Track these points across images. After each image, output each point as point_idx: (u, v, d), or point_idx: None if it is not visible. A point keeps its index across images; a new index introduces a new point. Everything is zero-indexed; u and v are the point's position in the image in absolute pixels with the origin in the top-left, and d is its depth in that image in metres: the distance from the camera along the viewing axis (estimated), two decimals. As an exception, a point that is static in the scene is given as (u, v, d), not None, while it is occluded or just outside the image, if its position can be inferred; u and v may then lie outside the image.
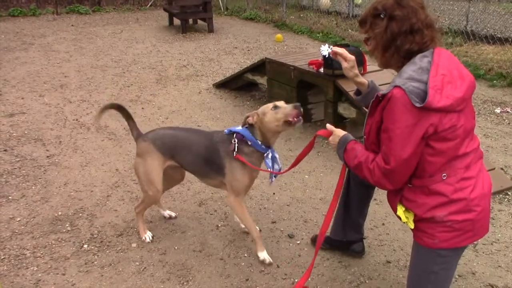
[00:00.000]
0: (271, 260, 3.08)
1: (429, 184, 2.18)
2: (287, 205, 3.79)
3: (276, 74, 5.40)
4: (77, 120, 5.47)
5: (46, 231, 3.40)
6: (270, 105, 2.89)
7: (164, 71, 7.49)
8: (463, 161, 2.17)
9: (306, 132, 5.13)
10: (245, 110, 5.82)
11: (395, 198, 2.32)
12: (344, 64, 2.65)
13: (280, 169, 3.03)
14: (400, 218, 2.29)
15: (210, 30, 10.41)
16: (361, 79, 2.68)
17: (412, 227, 2.26)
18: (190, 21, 10.91)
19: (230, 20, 12.18)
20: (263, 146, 2.94)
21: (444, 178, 2.15)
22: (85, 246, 3.26)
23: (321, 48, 4.24)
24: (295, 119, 2.83)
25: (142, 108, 5.86)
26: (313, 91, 5.25)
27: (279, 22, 11.22)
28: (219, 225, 3.50)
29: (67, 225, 3.48)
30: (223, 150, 2.99)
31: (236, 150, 2.92)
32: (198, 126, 5.32)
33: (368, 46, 2.33)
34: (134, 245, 3.28)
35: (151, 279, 2.96)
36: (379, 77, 4.44)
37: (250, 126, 2.94)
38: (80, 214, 3.62)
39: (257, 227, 3.14)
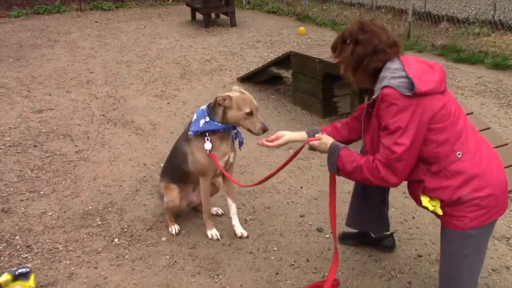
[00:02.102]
0: (219, 236, 3.27)
1: (447, 166, 2.26)
2: (315, 198, 3.78)
3: (301, 67, 5.38)
4: (103, 115, 5.53)
5: (77, 226, 3.45)
6: (247, 105, 2.92)
7: (188, 65, 7.51)
8: (469, 137, 2.30)
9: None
10: (270, 103, 5.81)
11: (416, 191, 2.39)
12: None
13: (242, 142, 3.20)
14: (427, 209, 2.35)
15: (233, 24, 10.40)
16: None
17: (441, 213, 2.31)
18: (213, 15, 10.91)
19: (252, 14, 12.15)
20: (227, 126, 3.03)
21: (459, 156, 2.26)
22: (116, 240, 3.30)
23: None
24: (257, 130, 2.97)
25: (168, 103, 5.90)
26: (339, 84, 5.21)
27: (301, 15, 11.16)
28: (247, 219, 3.51)
29: (97, 219, 3.53)
30: (182, 139, 3.17)
31: (210, 148, 3.04)
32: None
33: (341, 70, 2.52)
34: (163, 239, 3.31)
35: (181, 272, 2.98)
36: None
37: (214, 106, 2.97)
38: (110, 209, 3.66)
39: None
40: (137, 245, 3.24)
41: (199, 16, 10.99)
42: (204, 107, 3.07)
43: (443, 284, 2.45)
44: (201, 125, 3.01)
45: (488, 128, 4.11)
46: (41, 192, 3.88)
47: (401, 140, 2.22)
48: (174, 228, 3.36)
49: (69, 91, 6.41)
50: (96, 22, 11.41)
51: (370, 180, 2.33)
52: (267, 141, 2.86)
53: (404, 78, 2.22)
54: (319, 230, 3.37)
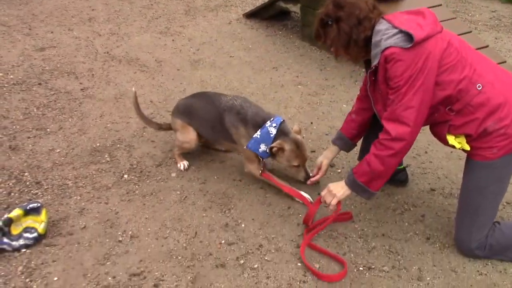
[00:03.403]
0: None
1: (469, 100, 2.26)
2: (326, 134, 3.72)
3: (310, 0, 5.18)
4: (107, 53, 5.39)
5: (86, 162, 3.42)
6: (293, 163, 2.96)
7: (192, 2, 7.27)
8: (484, 68, 2.30)
9: (342, 61, 4.96)
10: (277, 39, 5.65)
11: (442, 131, 2.39)
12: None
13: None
14: (454, 147, 2.37)
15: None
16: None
17: (469, 148, 2.33)
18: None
19: None
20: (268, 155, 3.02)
21: (480, 88, 2.25)
22: (125, 176, 3.27)
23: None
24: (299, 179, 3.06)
25: (173, 40, 5.74)
26: (349, 18, 5.02)
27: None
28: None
29: (106, 155, 3.49)
30: (228, 120, 3.05)
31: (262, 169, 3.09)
32: (231, 57, 5.20)
33: (333, 53, 2.50)
34: (173, 174, 3.28)
35: (193, 207, 2.97)
36: (420, 3, 4.22)
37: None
38: (118, 145, 3.62)
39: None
40: (147, 181, 3.22)
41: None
42: (273, 131, 2.95)
43: (463, 214, 2.45)
44: (260, 151, 2.97)
45: (504, 62, 4.00)
46: (48, 130, 3.83)
47: (411, 97, 2.22)
48: (183, 164, 3.33)
49: (71, 28, 6.23)
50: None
51: (395, 151, 2.30)
52: (313, 177, 2.98)
53: (398, 34, 2.20)
54: (331, 165, 3.33)
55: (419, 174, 3.21)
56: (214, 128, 3.18)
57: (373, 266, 2.51)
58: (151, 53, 5.35)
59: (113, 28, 6.18)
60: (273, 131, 2.95)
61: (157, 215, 2.91)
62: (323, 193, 2.60)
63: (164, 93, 4.40)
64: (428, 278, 2.43)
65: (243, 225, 2.82)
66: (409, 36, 2.16)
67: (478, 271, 2.47)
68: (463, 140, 2.34)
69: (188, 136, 3.27)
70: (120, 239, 2.72)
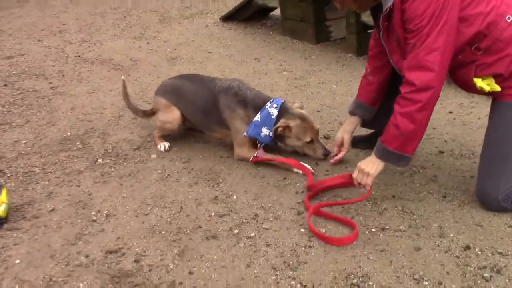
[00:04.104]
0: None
1: (499, 35, 2.01)
2: (318, 111, 3.44)
3: (289, -9, 4.98)
4: (79, 56, 5.09)
5: (55, 150, 3.07)
6: (307, 134, 2.68)
7: (166, 12, 7.05)
8: None
9: (326, 50, 4.74)
10: (257, 36, 5.42)
11: (468, 74, 2.12)
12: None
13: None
14: (481, 90, 2.11)
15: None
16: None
17: (499, 89, 2.07)
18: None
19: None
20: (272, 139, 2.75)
21: (510, 20, 2.01)
22: (100, 160, 2.93)
23: None
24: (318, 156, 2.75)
25: (148, 43, 5.47)
26: (331, 6, 4.82)
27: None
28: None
29: (77, 143, 3.15)
30: (224, 102, 2.77)
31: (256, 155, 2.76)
32: (209, 53, 4.93)
33: (337, 4, 2.22)
34: (153, 156, 2.95)
35: (176, 184, 2.63)
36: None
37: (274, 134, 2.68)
38: (91, 134, 3.28)
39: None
40: (124, 163, 2.88)
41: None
42: (274, 111, 2.68)
43: (489, 162, 2.18)
44: (262, 136, 2.70)
45: None
46: (13, 124, 3.48)
47: (434, 38, 1.95)
48: (163, 145, 3.00)
49: (41, 39, 5.93)
50: (66, -15, 10.80)
51: (423, 103, 2.02)
52: (336, 156, 2.66)
53: None
54: (326, 137, 3.04)
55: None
56: (206, 112, 2.88)
57: (387, 227, 2.19)
58: (125, 54, 5.07)
59: (84, 37, 5.91)
60: (275, 112, 2.68)
61: (136, 194, 2.56)
62: (354, 175, 2.27)
63: (140, 86, 4.10)
64: (452, 235, 2.12)
65: (234, 197, 2.49)
66: None
67: (506, 223, 2.16)
68: (491, 81, 2.08)
69: (171, 116, 2.97)
70: (94, 218, 2.37)
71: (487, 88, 2.08)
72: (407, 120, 2.04)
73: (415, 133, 2.09)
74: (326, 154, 2.71)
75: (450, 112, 3.26)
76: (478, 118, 3.16)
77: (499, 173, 2.14)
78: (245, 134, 2.73)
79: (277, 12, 5.93)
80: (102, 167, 2.85)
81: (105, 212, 2.41)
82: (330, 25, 4.93)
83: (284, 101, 2.77)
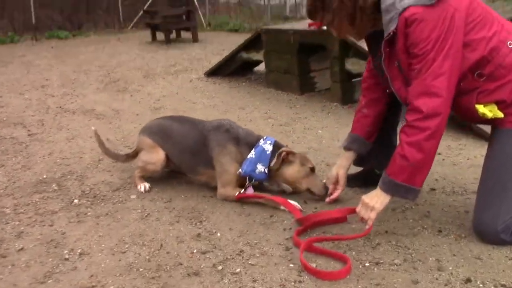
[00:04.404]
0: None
1: (501, 61, 1.97)
2: (305, 153, 3.34)
3: (273, 44, 5.04)
4: (60, 107, 5.02)
5: (29, 192, 2.91)
6: (309, 165, 2.60)
7: (151, 70, 7.10)
8: (508, 23, 2.06)
9: (311, 100, 4.73)
10: (242, 90, 5.41)
11: (469, 101, 2.05)
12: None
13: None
14: (483, 116, 2.03)
15: (195, 39, 10.09)
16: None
17: (502, 115, 2.00)
18: (173, 35, 10.57)
19: (213, 33, 11.90)
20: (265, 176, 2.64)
21: (511, 46, 1.97)
22: (76, 201, 2.78)
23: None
24: (319, 190, 2.60)
25: (131, 96, 5.43)
26: (315, 57, 4.89)
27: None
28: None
29: (53, 185, 3.00)
30: (214, 139, 2.67)
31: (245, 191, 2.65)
32: (193, 103, 4.89)
33: (333, 31, 2.17)
34: (133, 196, 2.81)
35: (157, 223, 2.48)
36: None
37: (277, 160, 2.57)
38: (69, 177, 3.14)
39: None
40: (102, 204, 2.73)
41: (159, 36, 10.64)
42: (269, 147, 2.61)
43: (488, 191, 2.09)
44: (257, 173, 2.60)
45: None
46: (-13, 168, 3.33)
47: (440, 63, 1.90)
48: (144, 186, 2.86)
49: (22, 93, 5.87)
50: (52, 47, 10.90)
51: (432, 131, 1.94)
52: (332, 195, 2.55)
53: None
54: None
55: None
56: (193, 153, 2.77)
57: (381, 261, 2.05)
58: (108, 105, 5.01)
59: (67, 91, 5.88)
60: (269, 147, 2.61)
61: (113, 233, 2.40)
62: (358, 209, 2.15)
63: (122, 133, 4.00)
64: (450, 268, 1.98)
65: (218, 234, 2.34)
66: None
67: (507, 256, 2.04)
68: (494, 107, 2.02)
69: (156, 157, 2.85)
70: (67, 257, 2.19)
71: (489, 115, 2.01)
72: (415, 150, 1.96)
73: (423, 163, 2.00)
74: (327, 189, 2.57)
75: (439, 154, 3.19)
76: (468, 159, 3.10)
77: (499, 202, 2.04)
78: (239, 171, 2.62)
79: (260, 67, 6.00)
80: (78, 207, 2.69)
81: (79, 250, 2.24)
82: (314, 76, 4.96)
83: (276, 140, 2.69)
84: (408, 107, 2.01)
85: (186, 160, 2.83)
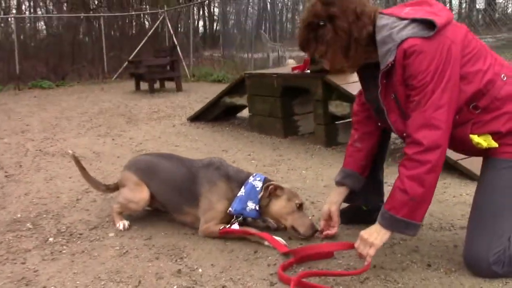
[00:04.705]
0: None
1: (496, 94, 1.96)
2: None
3: (257, 88, 5.06)
4: (40, 150, 4.92)
5: (1, 231, 2.79)
6: (297, 201, 2.52)
7: (133, 116, 7.07)
8: (502, 59, 2.06)
9: (295, 143, 4.71)
10: (225, 134, 5.39)
11: (464, 131, 2.02)
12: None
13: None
14: (478, 145, 2.00)
15: (179, 89, 10.14)
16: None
17: (497, 145, 1.97)
18: (157, 85, 10.62)
19: (197, 84, 11.98)
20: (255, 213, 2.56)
21: (505, 79, 1.98)
22: (51, 239, 2.66)
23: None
24: (305, 230, 2.49)
25: (113, 139, 5.37)
26: (299, 101, 4.90)
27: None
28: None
29: (28, 224, 2.88)
30: (204, 176, 2.62)
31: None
32: (176, 146, 4.84)
33: (326, 64, 2.14)
34: (111, 234, 2.70)
35: (135, 260, 2.37)
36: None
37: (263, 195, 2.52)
38: (44, 216, 3.02)
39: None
40: (78, 242, 2.62)
41: (143, 86, 10.69)
42: (258, 184, 2.54)
43: (480, 222, 2.04)
44: (247, 210, 2.53)
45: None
46: (-43, 208, 3.19)
47: (439, 95, 1.88)
48: (123, 224, 2.76)
49: (2, 138, 5.77)
50: (35, 97, 10.87)
51: (432, 164, 1.91)
52: (327, 230, 2.48)
53: (412, 24, 1.91)
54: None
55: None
56: (180, 191, 2.68)
57: (370, 295, 1.96)
58: (89, 148, 4.93)
59: (48, 136, 5.80)
60: (259, 184, 2.54)
61: (88, 270, 2.28)
62: (356, 244, 2.08)
63: (102, 174, 3.91)
64: (442, 301, 1.90)
65: (200, 270, 2.24)
66: (428, 24, 1.88)
67: (499, 290, 1.97)
68: (488, 137, 2.00)
69: (139, 196, 2.75)
70: (38, 295, 2.06)
71: (484, 144, 1.98)
72: (416, 184, 1.91)
73: (424, 198, 1.94)
74: (315, 230, 2.48)
75: (424, 191, 3.16)
76: (454, 197, 3.07)
77: (490, 233, 1.98)
78: (230, 209, 2.53)
79: (244, 113, 6.01)
80: (52, 245, 2.57)
81: (52, 288, 2.11)
82: (298, 120, 4.96)
83: (266, 177, 2.63)
84: (407, 140, 1.97)
85: (172, 198, 2.74)
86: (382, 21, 1.99)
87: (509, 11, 14.10)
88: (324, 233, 2.47)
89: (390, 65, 1.94)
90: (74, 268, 2.29)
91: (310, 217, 2.62)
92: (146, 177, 2.78)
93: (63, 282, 2.16)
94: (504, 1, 14.55)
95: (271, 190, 2.49)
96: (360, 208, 2.66)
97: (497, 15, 12.06)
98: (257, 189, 2.52)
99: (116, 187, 2.93)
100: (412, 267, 2.19)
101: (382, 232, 2.00)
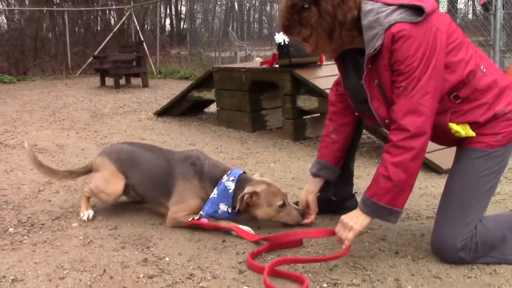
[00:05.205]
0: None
1: (477, 85, 1.98)
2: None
3: (225, 82, 5.03)
4: (0, 142, 4.76)
5: (-43, 222, 2.67)
6: (278, 202, 2.44)
7: (98, 110, 6.93)
8: (480, 51, 2.08)
9: (263, 137, 4.70)
10: (192, 128, 5.33)
11: (443, 121, 2.02)
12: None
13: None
14: (456, 134, 2.02)
15: (145, 85, 10.01)
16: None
17: (474, 134, 2.00)
18: (123, 81, 10.45)
19: (164, 80, 11.86)
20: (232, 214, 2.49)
21: (484, 70, 2.00)
22: (11, 229, 2.57)
23: (275, 36, 3.96)
24: (295, 220, 2.49)
25: (77, 133, 5.24)
26: (267, 95, 4.90)
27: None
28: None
29: (-14, 215, 2.76)
30: (179, 171, 2.55)
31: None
32: (142, 139, 4.76)
33: (309, 46, 2.09)
34: (75, 224, 2.63)
35: (100, 249, 2.31)
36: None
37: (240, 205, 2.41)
38: (4, 207, 2.92)
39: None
40: (40, 232, 2.53)
41: (109, 81, 10.50)
42: (231, 185, 2.44)
43: (450, 208, 2.07)
44: (219, 213, 2.44)
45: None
46: None
47: (426, 81, 1.88)
48: (87, 214, 2.68)
49: (-43, 130, 5.56)
50: (-6, 91, 10.54)
51: (417, 151, 1.91)
52: (308, 219, 2.50)
53: (400, 9, 1.89)
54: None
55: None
56: (158, 183, 2.61)
57: (339, 282, 1.96)
58: (52, 141, 4.80)
59: (8, 128, 5.62)
60: (231, 185, 2.44)
61: (50, 259, 2.21)
62: (336, 229, 2.06)
63: (65, 166, 3.81)
64: (410, 287, 1.91)
65: (167, 259, 2.19)
66: (416, 10, 1.87)
67: (465, 275, 1.99)
68: (466, 126, 2.01)
69: (113, 188, 2.66)
70: (-3, 284, 1.98)
71: (462, 133, 1.99)
72: (401, 171, 1.90)
73: (407, 185, 1.95)
74: (302, 214, 2.47)
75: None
76: (419, 188, 3.10)
77: (459, 220, 2.00)
78: (201, 212, 2.45)
79: (211, 108, 5.97)
80: (12, 236, 2.48)
81: (11, 277, 2.03)
82: (266, 114, 4.94)
83: (243, 172, 2.55)
84: (392, 126, 1.96)
85: (149, 190, 2.67)
86: (368, 6, 1.96)
87: (469, 16, 14.44)
88: (307, 221, 2.47)
89: (377, 49, 1.91)
90: (36, 258, 2.21)
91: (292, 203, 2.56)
92: (126, 169, 2.69)
93: (24, 272, 2.08)
94: (465, 7, 14.92)
95: (247, 200, 2.39)
96: (329, 198, 2.66)
97: (458, 21, 12.34)
98: (230, 191, 2.42)
99: (84, 172, 2.84)
100: (380, 254, 2.20)
101: (363, 217, 1.99)
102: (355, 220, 1.99)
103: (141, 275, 2.04)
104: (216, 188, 2.46)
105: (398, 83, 1.92)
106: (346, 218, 2.02)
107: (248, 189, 2.39)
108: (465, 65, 1.96)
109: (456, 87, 1.97)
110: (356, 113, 2.31)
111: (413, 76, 1.87)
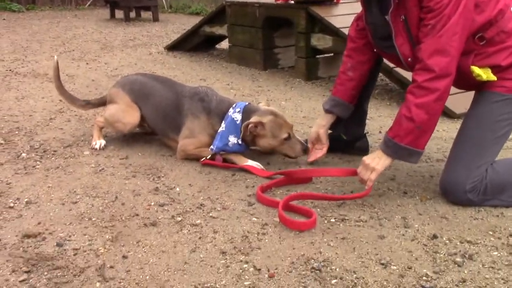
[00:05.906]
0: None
1: (504, 26, 1.92)
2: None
3: (238, 17, 4.92)
4: (10, 70, 4.74)
5: (-29, 145, 2.70)
6: (284, 135, 2.40)
7: (108, 43, 6.84)
8: None
9: (274, 75, 4.64)
10: (203, 64, 5.27)
11: (465, 63, 1.97)
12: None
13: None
14: (478, 77, 1.97)
15: (155, 18, 9.83)
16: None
17: (495, 78, 1.95)
18: (133, 14, 10.25)
19: (174, 15, 11.63)
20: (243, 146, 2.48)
21: None
22: (24, 155, 2.60)
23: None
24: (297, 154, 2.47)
25: (87, 64, 5.20)
26: (280, 33, 4.80)
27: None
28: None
29: (-1, 140, 2.79)
30: (188, 107, 2.52)
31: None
32: (154, 72, 4.71)
33: None
34: (86, 153, 2.65)
35: (111, 177, 2.34)
36: (356, 7, 4.06)
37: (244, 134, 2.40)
38: (17, 132, 2.94)
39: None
40: (52, 158, 2.57)
41: (118, 14, 10.32)
42: (238, 116, 2.43)
43: (463, 149, 2.06)
44: (230, 145, 2.42)
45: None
46: None
47: (456, 20, 1.82)
48: (99, 143, 2.70)
49: (-32, 57, 5.53)
50: (4, 19, 10.40)
51: (441, 92, 1.88)
52: (314, 154, 2.47)
53: None
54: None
55: (376, 149, 2.80)
56: (166, 117, 2.61)
57: (347, 218, 1.99)
58: (62, 71, 4.72)
59: (19, 57, 5.57)
60: (238, 116, 2.43)
61: (63, 184, 2.25)
62: (358, 169, 2.07)
63: (77, 95, 3.78)
64: (416, 225, 1.94)
65: (177, 189, 2.22)
66: None
67: (471, 216, 2.01)
68: (488, 70, 1.97)
69: (129, 117, 2.67)
70: (11, 205, 2.03)
71: (484, 76, 1.95)
72: (423, 112, 1.89)
73: (429, 126, 1.95)
74: (305, 149, 2.46)
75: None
76: (431, 132, 3.08)
77: (471, 161, 2.00)
78: (212, 147, 2.46)
79: (222, 44, 5.88)
80: (26, 160, 2.52)
81: (25, 200, 2.08)
82: (278, 53, 4.87)
83: (248, 103, 2.54)
84: (417, 66, 1.93)
85: (159, 123, 2.68)
86: None
87: None
88: (312, 158, 2.46)
89: None
90: (49, 182, 2.25)
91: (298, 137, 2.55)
92: (139, 100, 2.69)
93: (38, 195, 2.13)
94: None
95: (251, 129, 2.39)
96: (340, 137, 2.65)
97: None
98: (237, 122, 2.42)
99: (99, 103, 2.85)
100: (389, 194, 2.21)
101: (384, 158, 2.00)
102: (376, 161, 1.99)
103: (152, 203, 2.07)
104: (224, 121, 2.46)
105: (427, 21, 1.86)
106: (367, 159, 2.03)
107: (254, 119, 2.39)
108: (495, 4, 1.90)
109: (482, 28, 1.92)
110: (375, 50, 2.26)
111: (443, 13, 1.82)
